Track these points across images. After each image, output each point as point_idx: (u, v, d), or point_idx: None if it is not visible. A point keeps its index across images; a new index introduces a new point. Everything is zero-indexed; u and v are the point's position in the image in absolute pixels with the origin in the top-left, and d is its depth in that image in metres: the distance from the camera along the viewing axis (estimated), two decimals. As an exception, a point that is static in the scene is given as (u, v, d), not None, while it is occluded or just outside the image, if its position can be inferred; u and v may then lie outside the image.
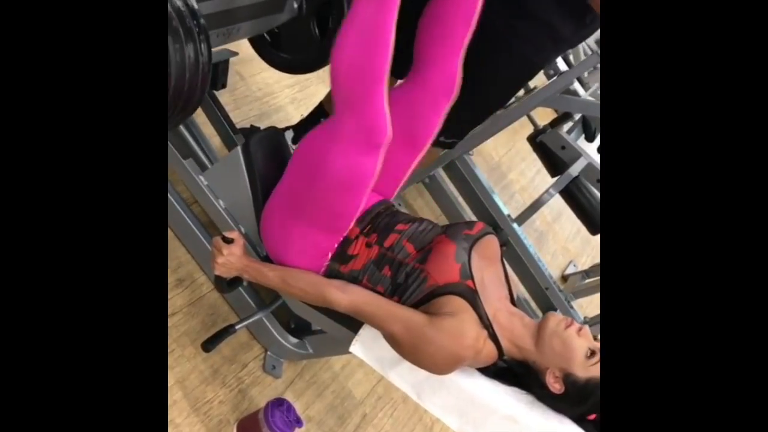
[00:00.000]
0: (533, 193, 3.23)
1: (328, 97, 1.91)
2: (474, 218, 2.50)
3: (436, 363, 1.17)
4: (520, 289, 2.45)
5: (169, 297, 1.58)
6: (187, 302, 1.63)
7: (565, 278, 3.11)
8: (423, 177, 2.54)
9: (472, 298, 1.20)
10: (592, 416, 1.18)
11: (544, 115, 2.84)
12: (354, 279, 1.29)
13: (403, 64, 1.53)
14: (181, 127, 1.60)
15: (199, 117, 1.75)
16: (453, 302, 1.19)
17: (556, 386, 1.17)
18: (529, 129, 2.72)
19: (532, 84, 2.48)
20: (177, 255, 1.65)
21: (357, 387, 1.89)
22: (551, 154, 2.42)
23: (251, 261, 1.33)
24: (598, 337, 1.18)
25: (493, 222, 2.43)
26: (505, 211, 2.46)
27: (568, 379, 1.16)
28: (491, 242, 1.35)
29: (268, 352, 1.72)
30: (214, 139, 1.77)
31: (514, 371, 1.25)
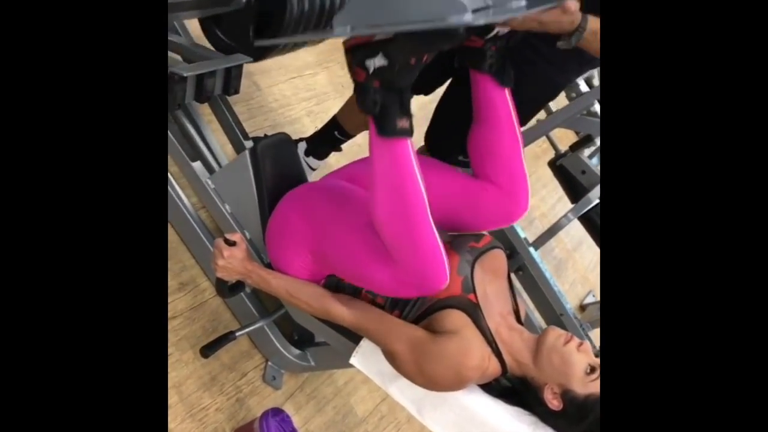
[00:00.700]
0: (553, 220, 3.16)
1: (343, 111, 1.90)
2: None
3: (439, 383, 1.14)
4: (536, 317, 2.39)
5: (170, 300, 1.57)
6: (188, 307, 1.61)
7: (583, 308, 3.04)
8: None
9: (473, 312, 1.18)
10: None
11: (565, 141, 2.81)
12: (354, 291, 1.27)
13: (428, 82, 1.54)
14: (191, 130, 1.60)
15: (212, 123, 1.75)
16: (453, 317, 1.17)
17: (554, 403, 1.14)
18: (551, 155, 2.69)
19: (553, 106, 2.45)
20: (181, 259, 1.64)
21: (360, 404, 1.85)
22: (571, 179, 2.39)
23: (255, 266, 1.30)
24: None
25: (510, 245, 2.38)
26: (522, 235, 2.41)
27: (566, 395, 1.12)
28: (498, 256, 1.34)
29: (269, 363, 1.68)
30: (226, 147, 1.77)
31: (516, 389, 1.21)
